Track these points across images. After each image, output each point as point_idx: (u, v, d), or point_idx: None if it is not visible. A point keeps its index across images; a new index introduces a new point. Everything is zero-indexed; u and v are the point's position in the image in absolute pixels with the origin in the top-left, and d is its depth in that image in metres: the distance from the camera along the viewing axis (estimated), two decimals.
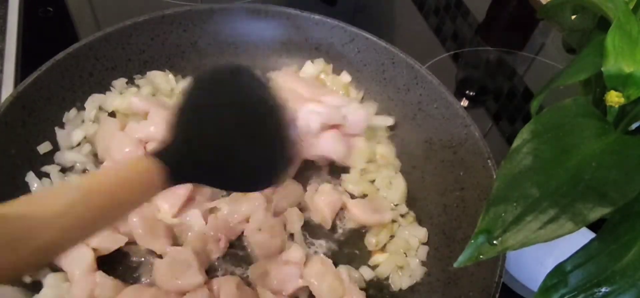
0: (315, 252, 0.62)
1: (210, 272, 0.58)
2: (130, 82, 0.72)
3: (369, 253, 0.63)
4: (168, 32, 0.73)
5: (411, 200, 0.68)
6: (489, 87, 0.96)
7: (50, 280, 0.53)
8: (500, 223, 0.37)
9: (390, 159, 0.71)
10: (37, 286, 0.53)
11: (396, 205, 0.67)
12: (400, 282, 0.60)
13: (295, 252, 0.58)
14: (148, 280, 0.57)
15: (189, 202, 0.62)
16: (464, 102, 0.90)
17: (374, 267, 0.61)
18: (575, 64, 0.50)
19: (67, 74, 0.66)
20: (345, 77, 0.78)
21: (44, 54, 0.64)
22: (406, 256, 0.62)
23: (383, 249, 0.63)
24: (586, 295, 0.36)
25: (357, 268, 0.61)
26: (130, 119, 0.68)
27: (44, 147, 0.63)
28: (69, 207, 0.35)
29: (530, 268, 0.62)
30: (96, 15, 0.93)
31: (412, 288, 0.60)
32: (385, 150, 0.72)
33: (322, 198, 0.64)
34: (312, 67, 0.77)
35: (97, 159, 0.66)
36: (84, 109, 0.68)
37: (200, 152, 0.43)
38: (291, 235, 0.62)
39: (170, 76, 0.73)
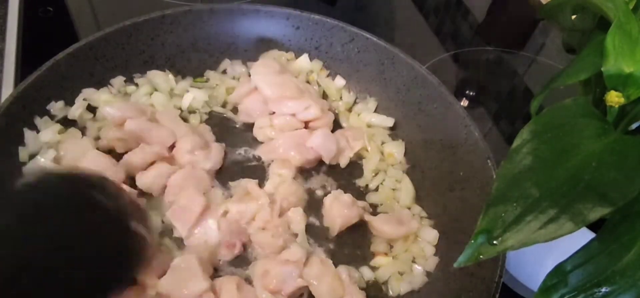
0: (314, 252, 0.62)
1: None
2: (130, 81, 0.72)
3: (371, 254, 0.63)
4: (168, 32, 0.73)
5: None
6: (489, 87, 0.96)
7: None
8: (500, 223, 0.37)
9: (398, 157, 0.71)
10: None
11: (409, 207, 0.67)
12: (399, 288, 0.60)
13: (295, 251, 0.57)
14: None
15: (205, 211, 0.60)
16: (464, 102, 0.90)
17: (374, 269, 0.61)
18: (575, 64, 0.50)
19: (67, 74, 0.66)
20: (340, 81, 0.78)
21: (44, 54, 0.64)
22: (413, 262, 0.62)
23: (387, 252, 0.63)
24: (586, 295, 0.36)
25: (357, 268, 0.61)
26: (103, 129, 0.66)
27: None
28: None
29: (530, 268, 0.62)
30: (96, 15, 0.93)
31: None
32: (392, 149, 0.72)
33: (339, 210, 0.62)
34: (307, 62, 0.77)
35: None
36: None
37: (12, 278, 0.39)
38: (294, 235, 0.62)
39: (170, 76, 0.73)
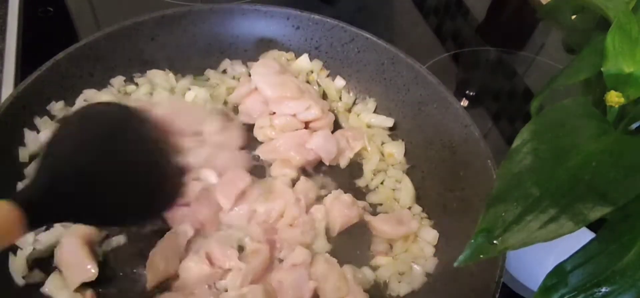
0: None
1: None
2: (130, 81, 0.72)
3: (371, 254, 0.62)
4: (168, 32, 0.73)
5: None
6: (489, 87, 0.96)
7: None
8: (500, 222, 0.37)
9: (398, 157, 0.71)
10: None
11: (409, 207, 0.67)
12: (398, 289, 0.60)
13: (299, 254, 0.57)
14: None
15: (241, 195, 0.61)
16: (464, 102, 0.90)
17: (374, 269, 0.61)
18: (575, 64, 0.50)
19: (67, 74, 0.66)
20: (340, 81, 0.78)
21: (44, 54, 0.64)
22: (413, 263, 0.62)
23: (387, 252, 0.63)
24: (586, 295, 0.36)
25: (357, 268, 0.60)
26: None
27: None
28: None
29: (530, 268, 0.62)
30: (96, 15, 0.93)
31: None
32: (392, 149, 0.72)
33: (339, 210, 0.62)
34: (307, 62, 0.77)
35: None
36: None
37: (66, 192, 0.42)
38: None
39: (171, 75, 0.73)
